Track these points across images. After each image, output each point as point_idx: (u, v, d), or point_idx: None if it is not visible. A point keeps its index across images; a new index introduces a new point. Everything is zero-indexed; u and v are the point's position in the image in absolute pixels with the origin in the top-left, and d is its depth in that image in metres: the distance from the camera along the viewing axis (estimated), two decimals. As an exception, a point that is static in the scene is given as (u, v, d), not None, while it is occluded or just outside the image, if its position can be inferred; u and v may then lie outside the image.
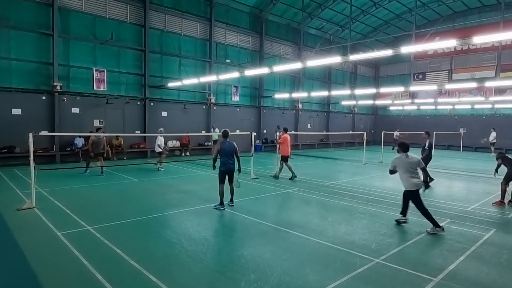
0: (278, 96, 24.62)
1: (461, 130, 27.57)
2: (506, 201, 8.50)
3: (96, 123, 16.55)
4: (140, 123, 18.52)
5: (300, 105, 27.38)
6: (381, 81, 34.47)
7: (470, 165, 18.04)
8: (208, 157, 16.50)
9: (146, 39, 18.13)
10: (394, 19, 28.58)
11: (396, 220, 6.85)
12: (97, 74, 16.72)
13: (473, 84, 20.40)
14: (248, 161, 12.44)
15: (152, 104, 18.85)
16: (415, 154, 6.86)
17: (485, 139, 23.43)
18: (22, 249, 5.18)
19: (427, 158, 10.79)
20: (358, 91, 27.19)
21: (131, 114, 18.09)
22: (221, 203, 7.79)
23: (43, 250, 5.25)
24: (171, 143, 19.32)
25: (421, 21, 28.36)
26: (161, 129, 14.95)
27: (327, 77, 29.84)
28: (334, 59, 15.00)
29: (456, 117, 29.34)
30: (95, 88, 16.69)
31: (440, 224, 6.35)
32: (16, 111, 14.59)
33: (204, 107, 21.31)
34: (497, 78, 24.93)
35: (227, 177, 7.93)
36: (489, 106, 26.82)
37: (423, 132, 11.51)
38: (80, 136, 15.82)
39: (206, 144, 21.30)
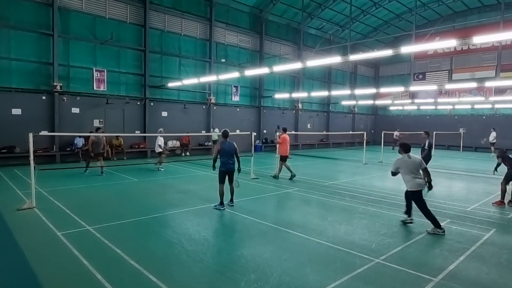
0: (278, 96, 24.62)
1: (461, 130, 27.57)
2: (506, 201, 8.50)
3: (96, 123, 16.55)
4: (140, 123, 18.53)
5: (300, 105, 27.38)
6: (381, 81, 34.47)
7: (470, 165, 18.04)
8: (208, 157, 16.51)
9: (146, 39, 18.13)
10: (394, 19, 28.58)
11: (402, 221, 6.85)
12: (97, 74, 16.73)
13: (473, 84, 20.40)
14: (248, 161, 12.45)
15: (152, 104, 18.85)
16: (414, 154, 6.86)
17: (485, 139, 23.43)
18: (22, 249, 5.18)
19: (426, 158, 10.77)
20: (358, 91, 27.19)
21: (131, 114, 18.09)
22: (221, 203, 7.79)
23: (43, 250, 5.25)
24: (171, 143, 19.32)
25: (421, 21, 28.36)
26: (160, 129, 14.98)
27: (327, 77, 29.84)
28: (334, 59, 15.00)
29: (456, 117, 29.34)
30: (95, 88, 16.69)
31: (441, 224, 6.34)
32: (16, 111, 14.59)
33: (204, 107, 21.31)
34: (497, 78, 24.95)
35: (227, 177, 7.94)
36: (489, 106, 26.83)
37: (422, 132, 11.53)
38: (80, 136, 15.83)
39: (206, 144, 21.30)
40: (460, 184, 12.29)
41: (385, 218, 7.26)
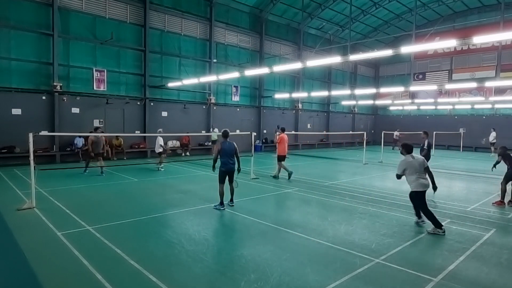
0: (278, 96, 24.62)
1: (461, 130, 27.57)
2: (506, 201, 8.50)
3: (96, 123, 16.54)
4: (140, 123, 18.52)
5: (300, 105, 27.37)
6: (381, 81, 34.47)
7: (470, 165, 18.04)
8: (208, 157, 16.52)
9: (146, 39, 18.13)
10: (394, 19, 28.58)
11: (416, 222, 6.84)
12: (97, 74, 16.72)
13: (473, 84, 20.40)
14: (248, 161, 12.45)
15: (152, 104, 18.85)
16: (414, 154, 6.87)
17: (485, 139, 23.43)
18: (22, 249, 5.18)
19: (426, 158, 10.74)
20: (358, 91, 27.18)
21: (131, 114, 18.09)
22: (221, 203, 7.79)
23: (43, 250, 5.25)
24: (171, 143, 19.32)
25: (421, 21, 28.37)
26: (160, 129, 14.99)
27: (327, 77, 29.84)
28: (334, 59, 15.00)
29: (456, 117, 29.35)
30: (95, 88, 16.69)
31: (441, 224, 6.33)
32: (16, 111, 14.59)
33: (204, 107, 21.31)
34: (497, 78, 24.94)
35: (227, 177, 7.94)
36: (489, 106, 26.83)
37: (421, 132, 11.53)
38: (80, 136, 15.82)
39: (206, 144, 21.30)
40: (460, 184, 12.29)
41: (385, 218, 7.26)
